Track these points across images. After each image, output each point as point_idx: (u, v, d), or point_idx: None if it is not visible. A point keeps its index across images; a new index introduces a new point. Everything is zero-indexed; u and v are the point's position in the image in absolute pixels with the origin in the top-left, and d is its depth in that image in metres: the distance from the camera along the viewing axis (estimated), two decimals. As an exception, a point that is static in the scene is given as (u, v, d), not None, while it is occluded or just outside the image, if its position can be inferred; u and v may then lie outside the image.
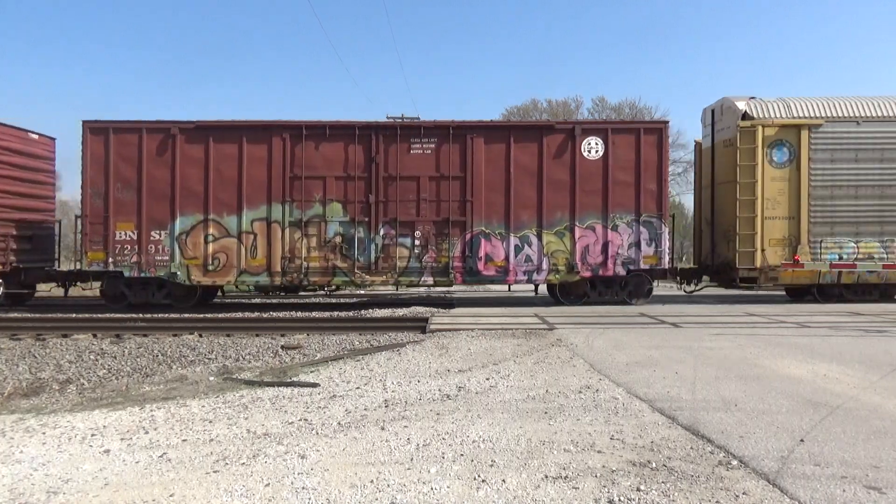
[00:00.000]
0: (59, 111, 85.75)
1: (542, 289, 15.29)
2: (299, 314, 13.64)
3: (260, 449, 4.24)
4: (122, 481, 3.69)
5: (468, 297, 16.84)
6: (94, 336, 10.47)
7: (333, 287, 14.77)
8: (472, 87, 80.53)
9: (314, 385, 6.53)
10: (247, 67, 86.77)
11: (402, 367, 7.36)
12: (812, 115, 14.43)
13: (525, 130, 14.23)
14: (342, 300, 17.37)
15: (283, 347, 9.31)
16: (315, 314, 13.53)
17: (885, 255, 14.26)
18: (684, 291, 16.26)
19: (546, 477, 3.57)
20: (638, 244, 13.95)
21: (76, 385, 7.26)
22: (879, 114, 14.42)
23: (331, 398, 5.87)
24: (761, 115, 14.53)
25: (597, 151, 13.95)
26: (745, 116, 14.59)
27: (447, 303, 15.31)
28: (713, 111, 15.86)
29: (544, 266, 13.94)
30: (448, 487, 3.43)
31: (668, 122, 14.44)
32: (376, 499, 3.30)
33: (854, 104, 14.58)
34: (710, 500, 3.20)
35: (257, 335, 10.46)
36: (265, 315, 13.30)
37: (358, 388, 6.30)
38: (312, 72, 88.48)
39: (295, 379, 7.05)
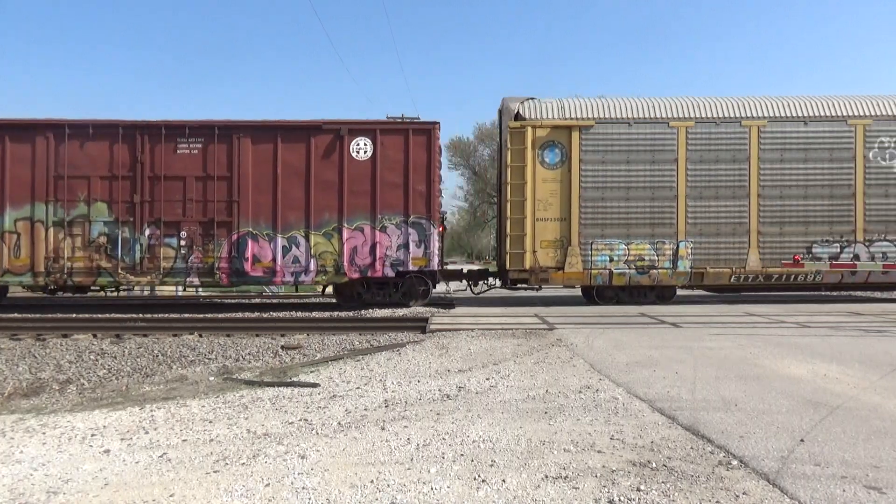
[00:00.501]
0: (60, 111, 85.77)
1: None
2: (299, 314, 13.65)
3: (260, 449, 4.24)
4: (122, 481, 3.69)
5: (468, 296, 16.83)
6: (94, 336, 10.47)
7: (110, 289, 14.59)
8: (472, 87, 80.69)
9: (314, 385, 6.53)
10: (247, 67, 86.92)
11: (402, 367, 7.36)
12: (584, 115, 14.34)
13: (293, 131, 14.05)
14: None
15: (283, 347, 9.32)
16: (315, 314, 13.54)
17: (655, 257, 14.18)
18: (472, 293, 16.20)
19: (546, 477, 3.57)
20: (407, 245, 13.91)
21: (76, 385, 7.26)
22: (651, 115, 14.33)
23: (331, 398, 5.87)
24: (535, 116, 14.40)
25: (366, 152, 13.91)
26: (518, 117, 14.45)
27: (447, 303, 15.31)
28: (500, 112, 15.71)
29: (312, 267, 13.90)
30: (448, 487, 3.44)
31: (437, 123, 14.24)
32: (376, 499, 3.30)
33: (626, 105, 14.49)
34: (710, 500, 3.20)
35: (257, 335, 10.47)
36: (265, 315, 13.31)
37: (358, 388, 6.31)
38: (312, 72, 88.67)
39: (295, 379, 7.05)
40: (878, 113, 14.40)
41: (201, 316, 13.20)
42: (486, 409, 5.19)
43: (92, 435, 4.76)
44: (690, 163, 14.25)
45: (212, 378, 7.37)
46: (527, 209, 14.14)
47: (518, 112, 14.49)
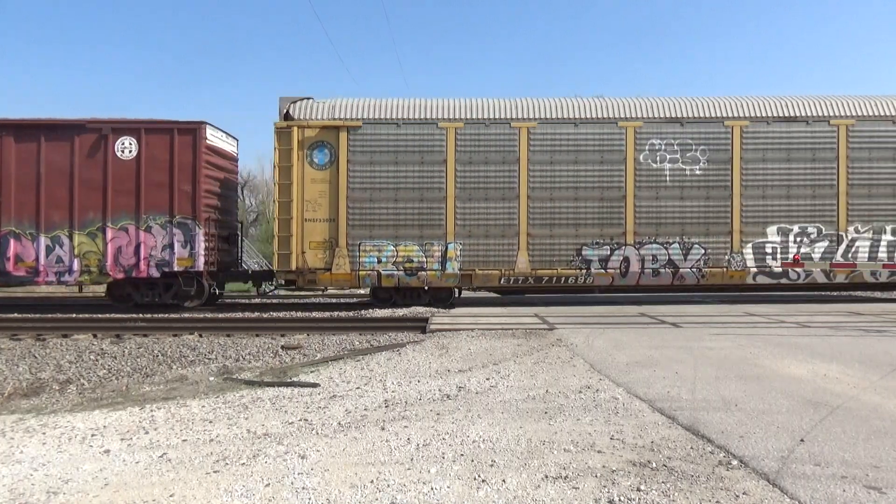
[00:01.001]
0: (60, 111, 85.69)
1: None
2: (299, 314, 13.65)
3: (260, 449, 4.24)
4: (123, 481, 3.69)
5: (468, 297, 16.84)
6: (94, 336, 10.47)
7: None
8: (472, 86, 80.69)
9: (314, 385, 6.53)
10: (247, 67, 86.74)
11: (402, 367, 7.36)
12: (351, 116, 14.27)
13: (56, 130, 13.96)
14: (342, 300, 17.38)
15: (283, 347, 9.32)
16: (315, 314, 13.54)
17: (424, 259, 14.13)
18: (258, 294, 16.06)
19: (546, 477, 3.57)
20: (172, 246, 13.90)
21: (76, 385, 7.26)
22: (420, 116, 14.30)
23: (331, 398, 5.87)
24: (305, 117, 14.33)
25: (130, 151, 13.91)
26: (287, 117, 14.40)
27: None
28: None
29: (76, 267, 13.86)
30: (448, 487, 3.43)
31: (204, 123, 14.19)
32: (376, 499, 3.30)
33: (394, 105, 14.46)
34: (710, 500, 3.20)
35: (257, 335, 10.47)
36: (265, 315, 13.31)
37: (358, 388, 6.31)
38: (312, 72, 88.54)
39: (295, 379, 7.05)
40: (649, 115, 14.39)
41: (201, 316, 13.20)
42: (486, 409, 5.19)
43: (92, 435, 4.76)
44: (460, 164, 14.20)
45: (212, 378, 7.37)
46: (293, 210, 14.01)
47: (287, 112, 14.43)
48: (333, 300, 17.56)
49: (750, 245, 14.33)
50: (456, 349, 8.46)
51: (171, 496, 3.41)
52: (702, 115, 14.40)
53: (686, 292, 16.19)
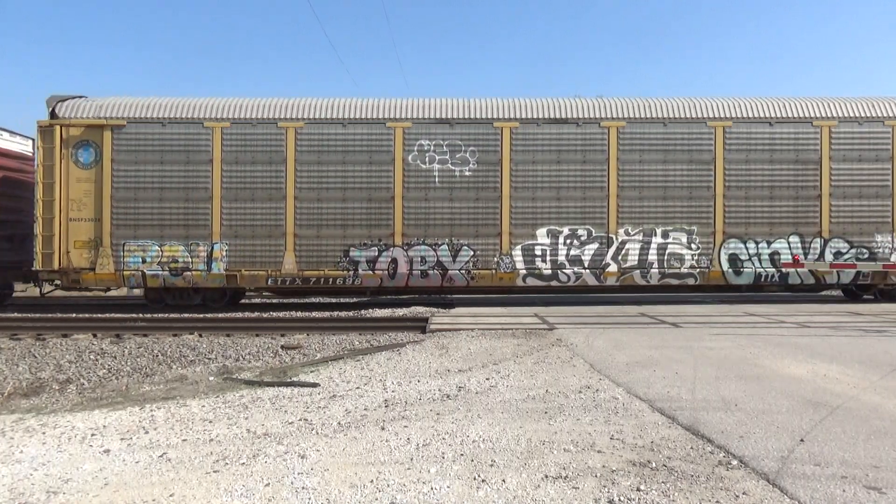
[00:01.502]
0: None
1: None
2: (299, 314, 13.66)
3: (260, 449, 4.24)
4: (122, 481, 3.69)
5: (468, 296, 16.85)
6: (94, 336, 10.48)
7: None
8: (472, 86, 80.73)
9: (314, 385, 6.53)
10: (247, 67, 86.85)
11: (402, 367, 7.36)
12: (116, 115, 14.27)
13: None
14: (342, 300, 17.38)
15: (283, 347, 9.32)
16: (315, 314, 13.55)
17: (189, 259, 14.14)
18: (41, 294, 16.28)
19: (546, 477, 3.58)
20: None
21: (76, 385, 7.26)
22: (185, 115, 14.29)
23: (331, 398, 5.87)
24: (71, 115, 14.30)
25: None
26: (53, 115, 14.36)
27: (447, 303, 15.32)
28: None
29: None
30: (448, 487, 3.44)
31: None
32: (376, 499, 3.30)
33: (159, 105, 14.49)
34: (710, 500, 3.20)
35: (257, 335, 10.47)
36: (265, 315, 13.31)
37: (358, 387, 6.31)
38: (312, 72, 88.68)
39: (295, 379, 7.06)
40: (418, 116, 14.36)
41: (201, 316, 13.21)
42: (486, 409, 5.19)
43: (92, 435, 4.77)
44: (226, 164, 14.18)
45: (212, 378, 7.37)
46: (55, 209, 13.99)
47: (54, 110, 14.42)
48: (333, 300, 17.55)
49: (519, 247, 14.33)
50: (456, 349, 8.47)
51: (171, 496, 3.41)
52: (471, 116, 14.39)
53: (457, 294, 16.10)
